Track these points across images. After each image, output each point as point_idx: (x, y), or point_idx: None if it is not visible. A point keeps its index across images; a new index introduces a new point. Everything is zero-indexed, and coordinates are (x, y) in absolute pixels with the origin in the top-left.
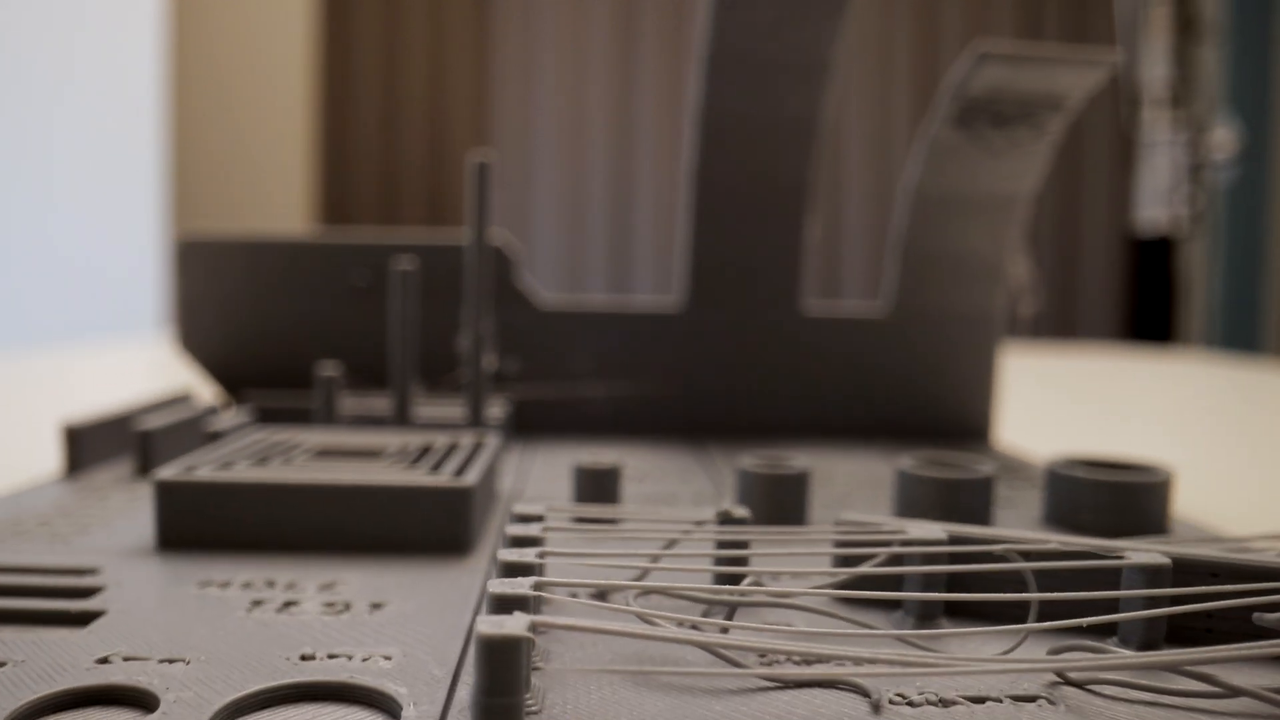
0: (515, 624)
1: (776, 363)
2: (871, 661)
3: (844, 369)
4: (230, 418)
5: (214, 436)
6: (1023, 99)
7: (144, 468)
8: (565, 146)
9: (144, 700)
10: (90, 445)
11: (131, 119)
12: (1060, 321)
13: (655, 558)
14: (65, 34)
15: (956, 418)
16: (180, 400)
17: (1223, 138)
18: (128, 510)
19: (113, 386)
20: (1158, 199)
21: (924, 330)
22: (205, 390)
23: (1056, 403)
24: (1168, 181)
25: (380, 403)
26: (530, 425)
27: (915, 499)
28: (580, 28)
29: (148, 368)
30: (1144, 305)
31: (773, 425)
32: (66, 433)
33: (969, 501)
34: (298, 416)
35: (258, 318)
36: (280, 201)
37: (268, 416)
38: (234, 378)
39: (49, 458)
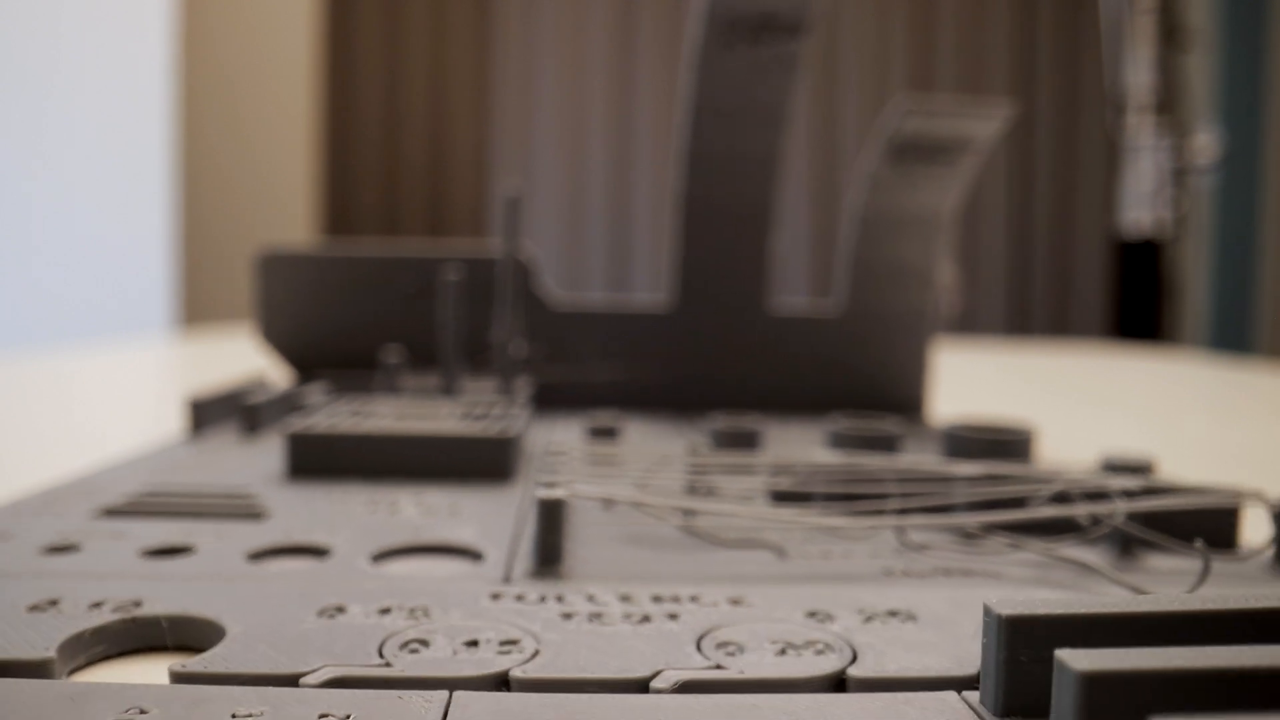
0: (559, 492)
1: (748, 353)
2: (776, 519)
3: (803, 358)
4: (313, 392)
5: (302, 406)
6: (939, 142)
7: (251, 429)
8: (565, 149)
9: (321, 551)
10: (206, 414)
11: (139, 127)
12: (1054, 320)
13: (644, 471)
14: (74, 43)
15: (896, 396)
16: (260, 382)
17: (1205, 143)
18: (250, 457)
19: (161, 379)
20: (1142, 202)
21: (868, 325)
22: (276, 373)
23: (1034, 395)
24: (1152, 185)
25: (430, 380)
26: (548, 401)
27: (840, 450)
28: (580, 33)
29: (185, 363)
30: (1131, 305)
31: (744, 403)
32: (191, 405)
33: (878, 451)
34: (360, 391)
35: (324, 315)
36: (285, 204)
37: (336, 391)
38: (304, 362)
39: (132, 437)
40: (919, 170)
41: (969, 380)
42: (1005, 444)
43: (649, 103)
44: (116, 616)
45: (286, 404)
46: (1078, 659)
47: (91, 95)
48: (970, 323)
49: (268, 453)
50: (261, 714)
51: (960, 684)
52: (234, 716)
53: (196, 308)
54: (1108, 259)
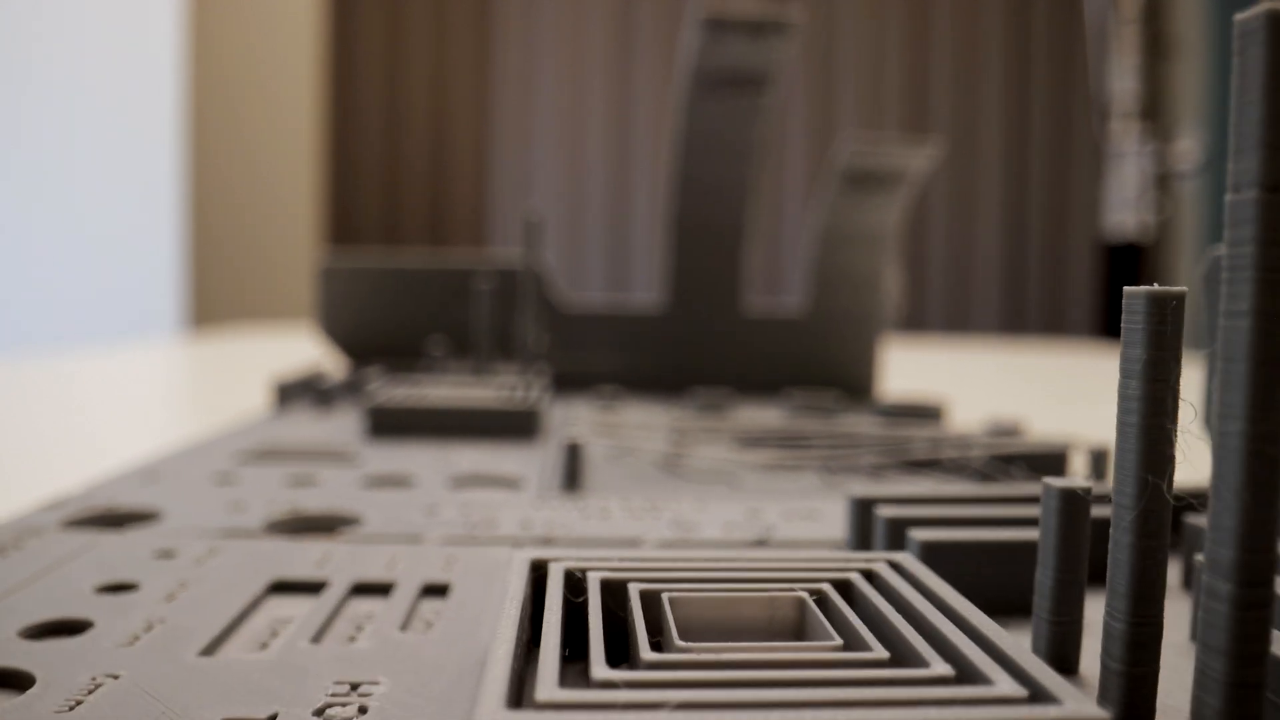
0: (578, 437)
1: (726, 347)
2: (732, 459)
3: (773, 350)
4: (370, 376)
5: (364, 387)
6: (880, 173)
7: (324, 404)
8: (565, 149)
9: (411, 481)
10: (288, 394)
11: (145, 132)
12: (1048, 320)
13: (639, 430)
14: (81, 50)
15: (849, 380)
16: (319, 371)
17: (1187, 148)
18: (331, 425)
19: (198, 374)
20: (1125, 206)
21: (826, 324)
22: (332, 362)
23: (1023, 391)
24: (1135, 190)
25: (465, 365)
26: (560, 385)
27: (790, 416)
28: (580, 33)
29: (207, 361)
30: (1118, 306)
31: (724, 387)
32: (278, 387)
33: (819, 417)
34: (407, 375)
35: (374, 314)
36: (289, 205)
37: (387, 375)
38: (357, 352)
39: (191, 426)
40: (864, 196)
41: (964, 377)
42: (919, 414)
43: (648, 104)
44: (289, 514)
45: (350, 386)
46: (886, 509)
47: (98, 100)
48: (965, 322)
49: (344, 421)
50: (402, 555)
51: (836, 544)
52: (391, 556)
53: (204, 309)
54: (1098, 261)
